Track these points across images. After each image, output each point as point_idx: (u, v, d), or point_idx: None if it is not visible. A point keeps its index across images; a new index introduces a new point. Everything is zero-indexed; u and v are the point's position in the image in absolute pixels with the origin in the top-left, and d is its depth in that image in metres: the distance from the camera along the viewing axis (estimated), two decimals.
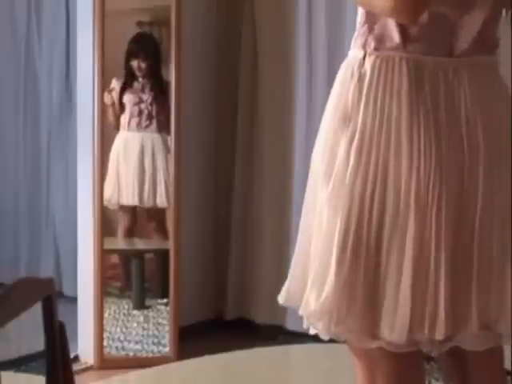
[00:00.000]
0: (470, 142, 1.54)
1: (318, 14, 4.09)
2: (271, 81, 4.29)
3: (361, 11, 1.59)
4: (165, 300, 3.99)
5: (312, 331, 1.58)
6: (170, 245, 3.87)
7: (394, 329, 1.48)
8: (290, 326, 4.18)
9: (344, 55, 1.56)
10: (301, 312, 1.58)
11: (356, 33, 1.61)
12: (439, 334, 1.50)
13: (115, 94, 3.95)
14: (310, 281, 1.54)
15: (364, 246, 1.50)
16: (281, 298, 1.69)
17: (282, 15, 4.26)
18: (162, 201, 3.97)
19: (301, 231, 1.66)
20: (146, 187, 4.00)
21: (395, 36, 1.53)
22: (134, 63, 3.98)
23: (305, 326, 1.58)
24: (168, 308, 3.92)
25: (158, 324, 4.00)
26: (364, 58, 1.56)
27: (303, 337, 4.12)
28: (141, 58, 3.98)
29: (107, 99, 3.88)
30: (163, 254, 3.95)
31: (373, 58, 1.55)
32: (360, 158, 1.52)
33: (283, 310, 4.20)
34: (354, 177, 1.51)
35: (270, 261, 4.27)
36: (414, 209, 1.49)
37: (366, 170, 1.51)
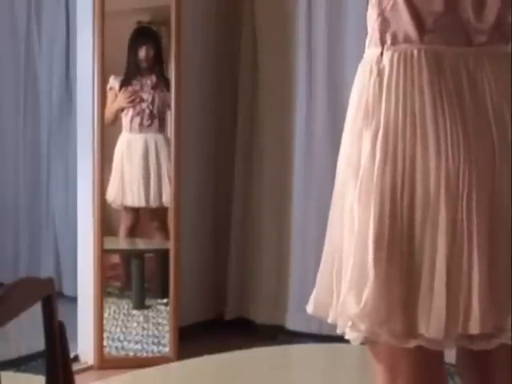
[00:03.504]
0: (498, 128, 1.51)
1: (317, 12, 4.09)
2: (271, 80, 4.28)
3: (373, 5, 1.56)
4: (165, 300, 3.99)
5: (348, 336, 1.52)
6: (170, 245, 3.87)
7: (430, 325, 1.44)
8: (290, 325, 4.18)
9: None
10: (331, 319, 1.54)
11: (370, 29, 1.58)
12: (474, 329, 1.44)
13: (111, 94, 3.95)
14: (347, 284, 1.49)
15: (399, 243, 1.46)
16: (309, 308, 1.63)
17: (281, 14, 4.26)
18: (167, 200, 3.97)
19: (327, 240, 1.61)
20: (152, 187, 4.00)
21: (410, 28, 1.52)
22: (142, 52, 3.97)
23: (339, 331, 1.53)
24: (168, 308, 3.92)
25: (158, 324, 4.00)
26: (381, 54, 1.54)
27: (303, 337, 4.14)
28: (149, 44, 3.98)
29: (112, 98, 3.90)
30: (163, 254, 3.95)
31: (390, 53, 1.53)
32: (386, 153, 1.48)
33: (283, 309, 4.20)
34: (381, 172, 1.48)
35: (270, 261, 4.27)
36: (444, 200, 1.45)
37: (393, 164, 1.47)
